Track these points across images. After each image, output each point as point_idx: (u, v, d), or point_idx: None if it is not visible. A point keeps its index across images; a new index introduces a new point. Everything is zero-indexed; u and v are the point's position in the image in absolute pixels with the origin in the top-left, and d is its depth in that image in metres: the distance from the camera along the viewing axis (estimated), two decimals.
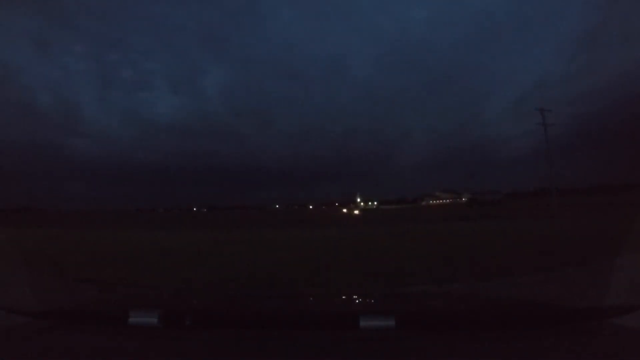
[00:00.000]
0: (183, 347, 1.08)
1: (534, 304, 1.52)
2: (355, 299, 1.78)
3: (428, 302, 1.68)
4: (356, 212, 59.33)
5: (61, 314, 1.42)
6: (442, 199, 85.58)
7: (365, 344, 1.05)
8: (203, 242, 11.88)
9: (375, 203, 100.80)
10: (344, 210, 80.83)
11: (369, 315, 1.17)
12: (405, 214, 38.70)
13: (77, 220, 31.59)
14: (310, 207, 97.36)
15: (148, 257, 8.01)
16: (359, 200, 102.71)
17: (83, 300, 3.34)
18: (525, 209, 31.08)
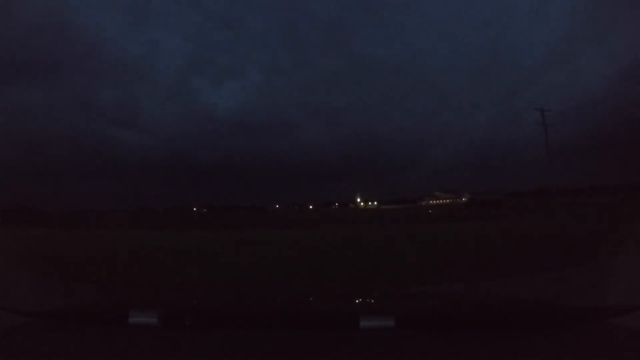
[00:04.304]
0: (183, 347, 1.08)
1: (534, 304, 1.52)
2: (355, 299, 1.78)
3: (428, 302, 1.68)
4: (359, 211, 59.38)
5: (61, 314, 1.42)
6: (442, 199, 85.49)
7: (365, 344, 1.05)
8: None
9: (375, 203, 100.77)
10: (346, 209, 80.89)
11: (369, 315, 1.17)
12: (409, 214, 38.58)
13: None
14: (310, 207, 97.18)
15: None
16: (358, 200, 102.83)
17: (83, 300, 3.35)
18: (525, 208, 31.08)
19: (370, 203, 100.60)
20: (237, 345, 1.07)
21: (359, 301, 1.75)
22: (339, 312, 1.35)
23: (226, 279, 5.58)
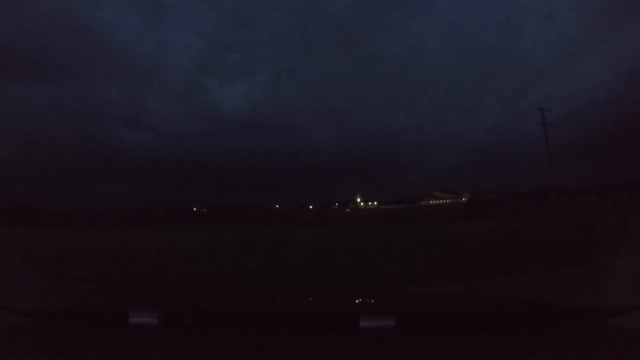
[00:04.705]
0: (183, 347, 1.08)
1: (534, 304, 1.52)
2: (355, 299, 1.78)
3: (428, 302, 1.68)
4: (359, 211, 59.33)
5: (61, 314, 1.42)
6: (442, 199, 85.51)
7: (365, 344, 1.05)
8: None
9: (375, 203, 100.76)
10: (346, 209, 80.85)
11: (369, 315, 1.17)
12: (409, 214, 38.56)
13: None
14: (310, 207, 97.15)
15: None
16: (358, 200, 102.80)
17: (83, 300, 3.34)
18: (525, 208, 31.09)
19: (370, 203, 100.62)
20: (237, 345, 1.07)
21: (359, 301, 1.76)
22: (339, 312, 1.35)
23: (226, 279, 5.58)
